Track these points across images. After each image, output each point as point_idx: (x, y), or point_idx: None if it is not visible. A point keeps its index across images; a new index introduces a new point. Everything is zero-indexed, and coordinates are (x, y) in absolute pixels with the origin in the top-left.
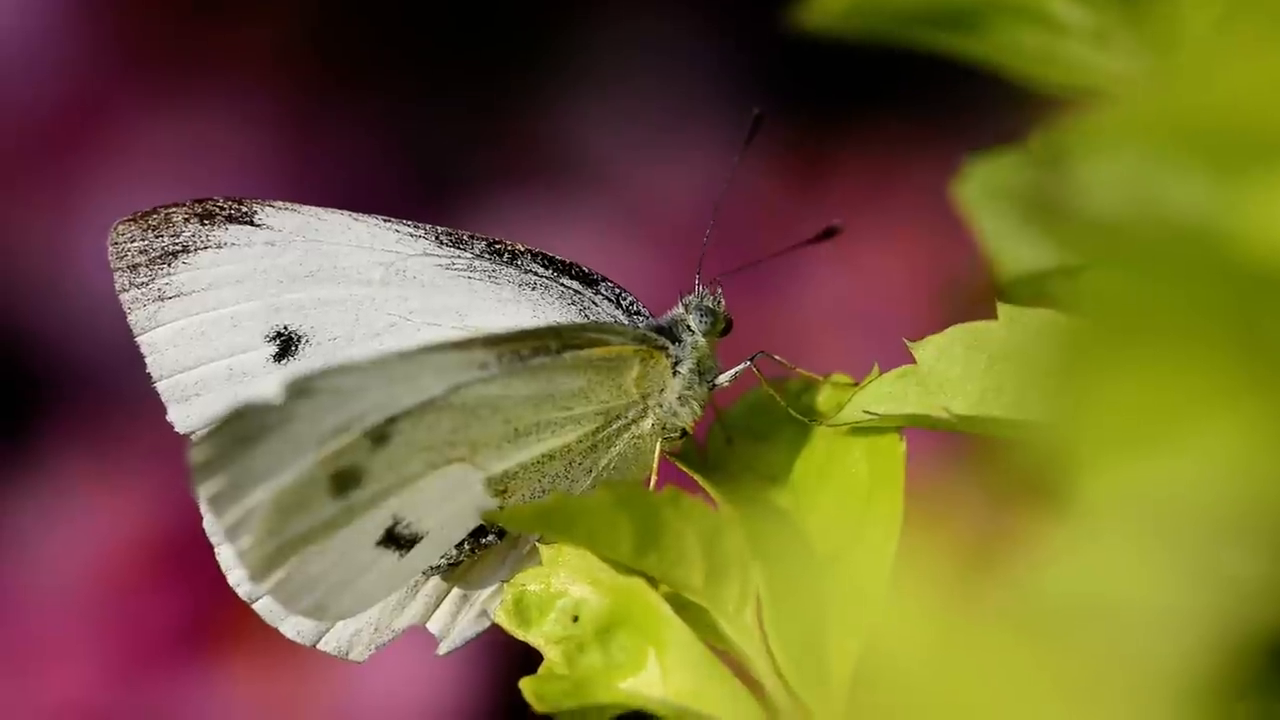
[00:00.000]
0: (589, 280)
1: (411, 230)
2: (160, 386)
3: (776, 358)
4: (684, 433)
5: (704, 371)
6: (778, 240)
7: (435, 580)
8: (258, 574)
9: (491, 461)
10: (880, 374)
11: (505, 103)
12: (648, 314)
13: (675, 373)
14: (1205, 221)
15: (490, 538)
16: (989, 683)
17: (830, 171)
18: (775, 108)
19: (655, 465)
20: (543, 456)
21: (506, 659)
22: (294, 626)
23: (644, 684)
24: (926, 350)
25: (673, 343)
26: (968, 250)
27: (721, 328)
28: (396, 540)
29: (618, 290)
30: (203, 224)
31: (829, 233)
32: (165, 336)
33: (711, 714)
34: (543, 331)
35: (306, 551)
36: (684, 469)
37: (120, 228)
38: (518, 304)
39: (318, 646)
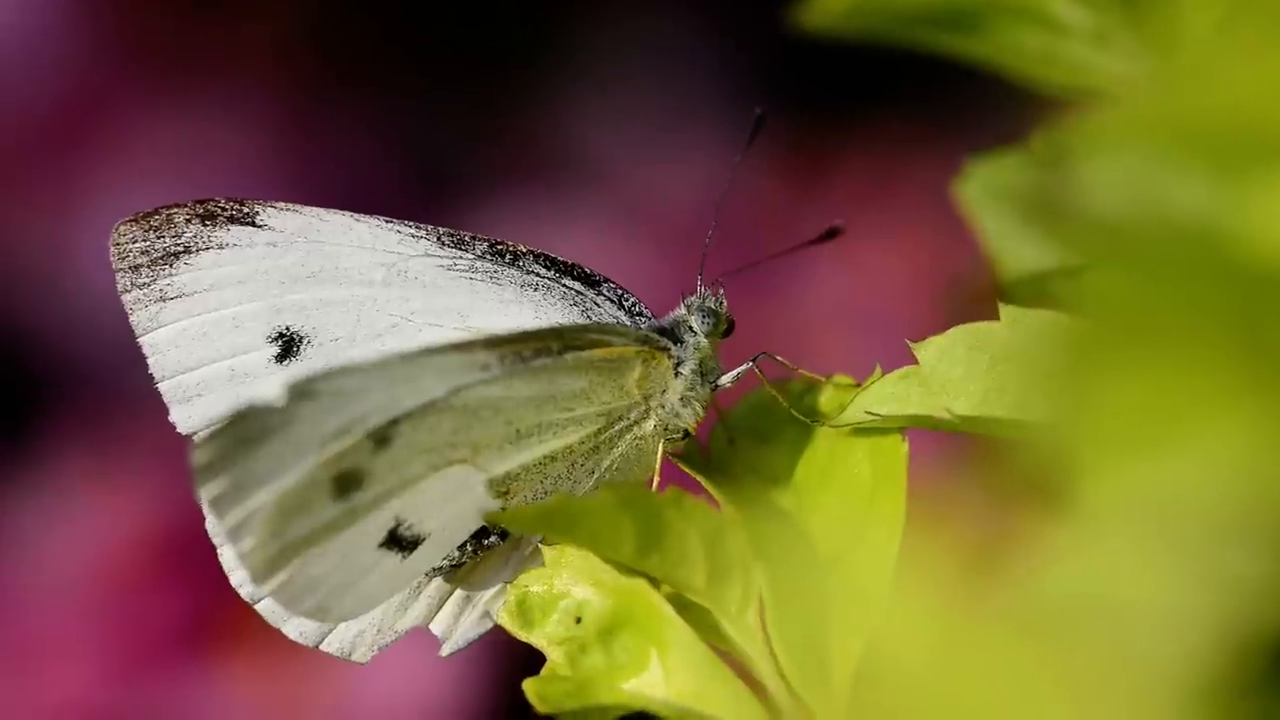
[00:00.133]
0: (591, 281)
1: (413, 231)
2: (162, 387)
3: (779, 358)
4: (686, 434)
5: (706, 372)
6: (779, 240)
7: (438, 582)
8: (260, 575)
9: (493, 463)
10: (882, 375)
11: (506, 101)
12: (650, 315)
13: (677, 374)
14: (1207, 222)
15: (493, 539)
16: (991, 683)
17: (832, 171)
18: (777, 107)
19: (658, 466)
20: (545, 458)
21: (509, 660)
22: (296, 628)
23: (646, 685)
24: (929, 351)
25: (675, 344)
26: (970, 250)
27: (723, 329)
28: (399, 542)
29: (620, 291)
30: (204, 225)
31: (831, 233)
32: (167, 337)
33: (714, 715)
34: (545, 332)
35: (309, 553)
36: (686, 470)
37: (122, 228)
38: (520, 305)
39: (320, 648)
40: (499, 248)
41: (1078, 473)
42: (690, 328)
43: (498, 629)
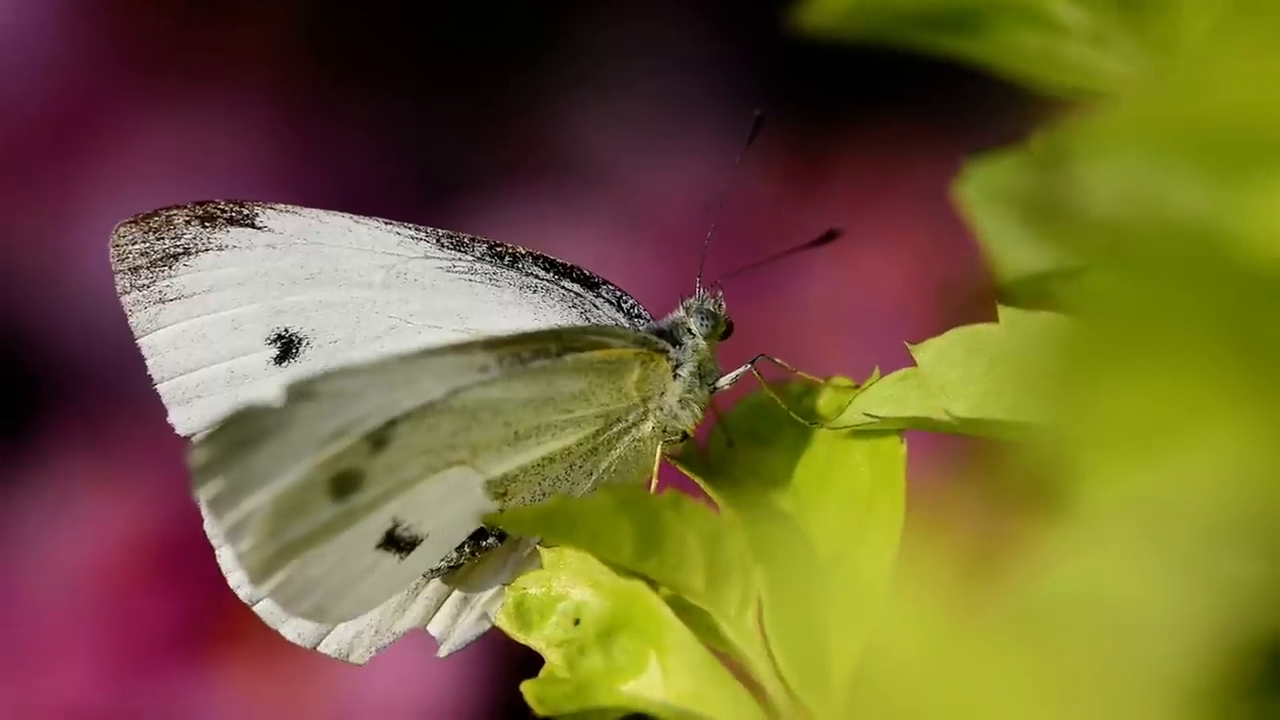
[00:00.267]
0: (590, 283)
1: (412, 233)
2: (161, 389)
3: (777, 360)
4: (685, 436)
5: (705, 374)
6: (778, 242)
7: (436, 583)
8: (258, 576)
9: (492, 464)
10: (881, 377)
11: (506, 104)
12: (648, 317)
13: (676, 376)
14: (1206, 224)
15: (491, 540)
16: (990, 686)
17: (831, 173)
18: (776, 110)
19: (656, 468)
20: (543, 459)
21: (507, 661)
22: (294, 629)
23: (645, 687)
24: (927, 353)
25: (673, 346)
26: (968, 252)
27: (722, 331)
28: (397, 543)
29: (619, 293)
30: (204, 226)
31: (829, 236)
32: (166, 339)
33: (713, 717)
34: (543, 334)
35: (307, 554)
36: (685, 472)
37: (121, 230)
38: (519, 307)
39: (318, 649)
40: (498, 250)
41: (1076, 475)
42: (689, 330)
43: (496, 630)
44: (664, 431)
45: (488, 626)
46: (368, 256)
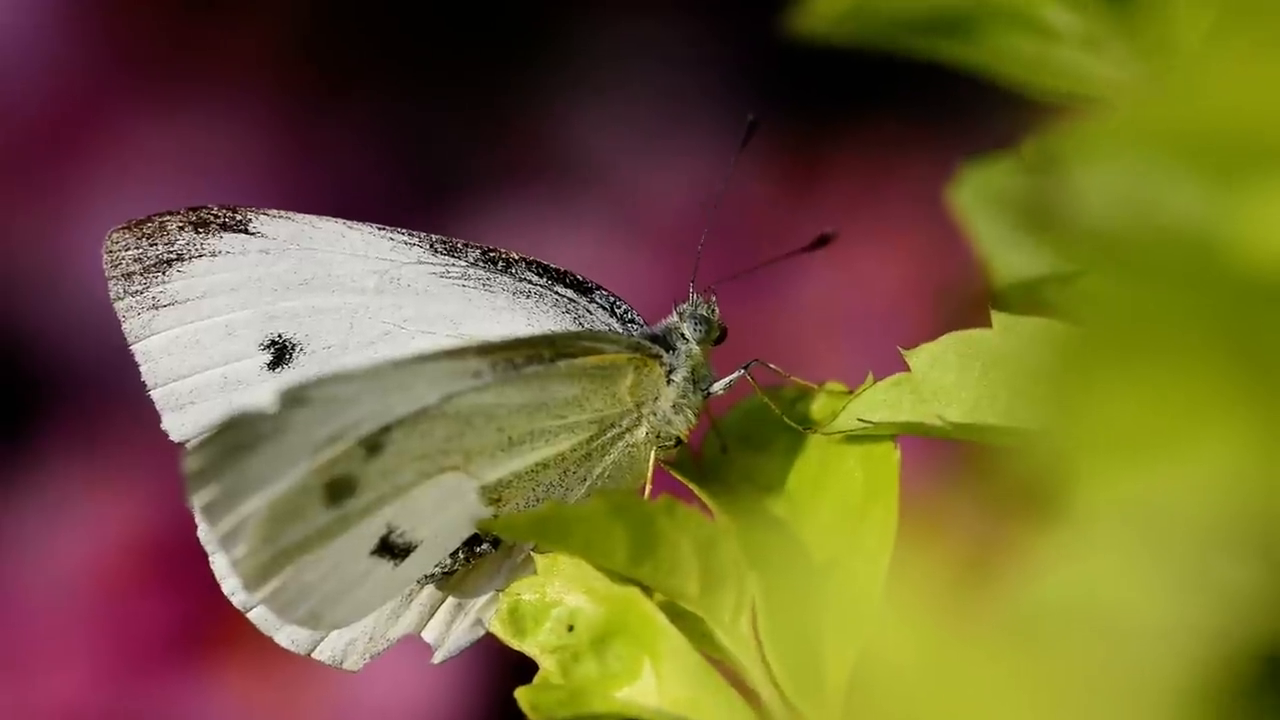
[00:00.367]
0: (583, 288)
1: (406, 238)
2: (155, 395)
3: (771, 366)
4: (679, 441)
5: (698, 380)
6: (773, 245)
7: (430, 589)
8: (252, 583)
9: (485, 470)
10: (874, 382)
11: (502, 106)
12: (642, 322)
13: (670, 381)
14: (1200, 228)
15: (485, 546)
16: (985, 692)
17: (825, 176)
18: (771, 113)
19: (650, 474)
20: (537, 465)
21: (501, 667)
22: (288, 635)
23: (639, 693)
24: (921, 358)
25: (667, 351)
26: (962, 256)
27: (716, 336)
28: (391, 549)
29: (612, 298)
30: (197, 232)
31: (823, 240)
32: (160, 345)
33: None
34: (537, 340)
35: (301, 560)
36: (679, 477)
37: (115, 236)
38: (512, 312)
39: (312, 655)
40: (491, 255)
41: (1070, 480)
42: (682, 335)
43: (490, 637)
44: (658, 437)
45: (482, 633)
46: (361, 262)
